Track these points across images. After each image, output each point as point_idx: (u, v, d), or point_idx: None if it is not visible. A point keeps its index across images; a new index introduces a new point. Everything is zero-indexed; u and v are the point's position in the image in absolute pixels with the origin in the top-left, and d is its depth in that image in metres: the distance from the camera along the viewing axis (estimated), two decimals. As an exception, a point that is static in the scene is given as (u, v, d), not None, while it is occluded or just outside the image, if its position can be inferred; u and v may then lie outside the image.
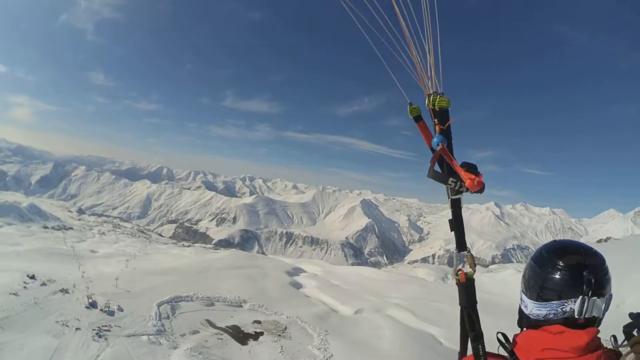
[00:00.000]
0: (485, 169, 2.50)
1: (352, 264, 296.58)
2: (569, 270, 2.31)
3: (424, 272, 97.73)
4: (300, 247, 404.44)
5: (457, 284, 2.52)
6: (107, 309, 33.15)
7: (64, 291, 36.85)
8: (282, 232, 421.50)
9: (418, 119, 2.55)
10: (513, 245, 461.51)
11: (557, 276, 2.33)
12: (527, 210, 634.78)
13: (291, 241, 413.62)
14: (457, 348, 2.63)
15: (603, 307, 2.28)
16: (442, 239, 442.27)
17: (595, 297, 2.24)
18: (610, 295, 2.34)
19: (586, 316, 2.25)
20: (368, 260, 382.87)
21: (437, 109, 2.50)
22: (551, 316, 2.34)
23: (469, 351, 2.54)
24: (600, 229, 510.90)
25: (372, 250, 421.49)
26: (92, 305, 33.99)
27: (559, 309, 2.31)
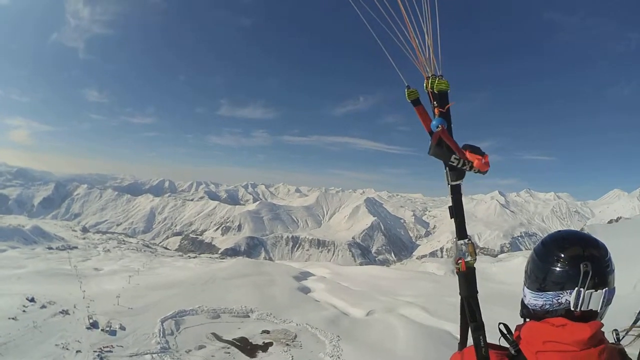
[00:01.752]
0: (490, 158, 2.38)
1: (361, 264, 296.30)
2: (567, 262, 2.26)
3: (434, 266, 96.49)
4: (307, 250, 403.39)
5: (457, 273, 2.47)
6: (108, 329, 31.92)
7: (64, 312, 35.68)
8: (287, 237, 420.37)
9: (416, 102, 2.46)
10: (521, 232, 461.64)
11: (556, 268, 2.28)
12: (531, 196, 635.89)
13: (297, 245, 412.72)
14: None
15: (601, 301, 2.20)
16: (449, 232, 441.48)
17: (592, 290, 2.18)
18: (613, 289, 2.27)
19: (582, 309, 2.20)
20: (376, 259, 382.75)
21: (436, 91, 2.42)
22: (547, 307, 2.31)
23: (469, 342, 2.47)
24: (606, 209, 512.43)
25: (380, 249, 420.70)
26: (93, 325, 32.77)
27: (554, 300, 2.27)
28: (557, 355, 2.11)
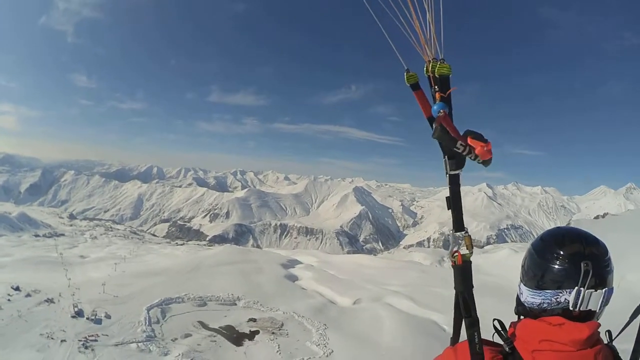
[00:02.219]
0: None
1: (348, 252, 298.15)
2: (567, 260, 2.19)
3: (420, 256, 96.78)
4: (295, 238, 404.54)
5: (452, 266, 2.36)
6: (93, 317, 31.49)
7: (49, 301, 35.21)
8: (276, 224, 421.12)
9: (415, 87, 2.38)
10: (507, 225, 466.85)
11: (556, 265, 2.22)
12: (519, 190, 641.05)
13: (286, 233, 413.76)
14: (464, 334, 2.38)
15: (600, 301, 2.16)
16: (436, 223, 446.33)
17: (592, 290, 2.13)
18: (611, 289, 2.20)
19: (581, 309, 2.16)
20: (363, 247, 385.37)
21: (437, 75, 2.29)
22: (545, 305, 2.25)
23: (462, 337, 2.42)
24: (592, 205, 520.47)
25: (367, 237, 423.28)
26: (78, 314, 32.34)
27: (553, 299, 2.22)
28: (553, 354, 2.07)
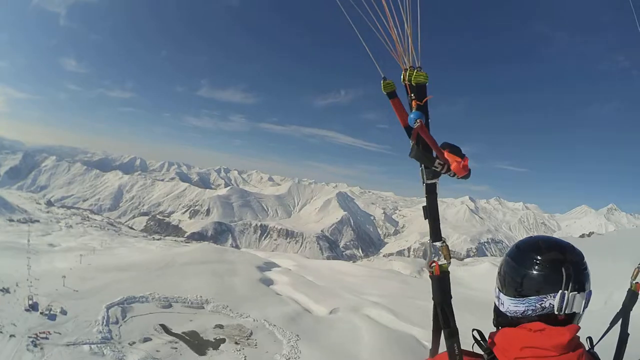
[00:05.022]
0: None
1: (328, 257, 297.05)
2: (548, 265, 2.23)
3: (400, 265, 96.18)
4: (275, 240, 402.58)
5: (430, 277, 2.29)
6: (48, 312, 29.24)
7: (5, 291, 32.87)
8: (256, 225, 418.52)
9: (392, 95, 2.28)
10: (487, 239, 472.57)
11: (536, 272, 2.24)
12: (500, 204, 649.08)
13: (266, 234, 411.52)
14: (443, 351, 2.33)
15: (583, 303, 2.22)
16: (417, 232, 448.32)
17: (575, 292, 2.17)
18: (590, 292, 2.29)
19: (566, 312, 2.18)
20: (343, 254, 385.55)
21: (413, 84, 2.22)
22: (529, 312, 2.25)
23: (442, 348, 2.38)
24: (573, 224, 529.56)
25: (348, 243, 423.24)
26: (33, 307, 30.06)
27: (537, 305, 2.22)
28: None
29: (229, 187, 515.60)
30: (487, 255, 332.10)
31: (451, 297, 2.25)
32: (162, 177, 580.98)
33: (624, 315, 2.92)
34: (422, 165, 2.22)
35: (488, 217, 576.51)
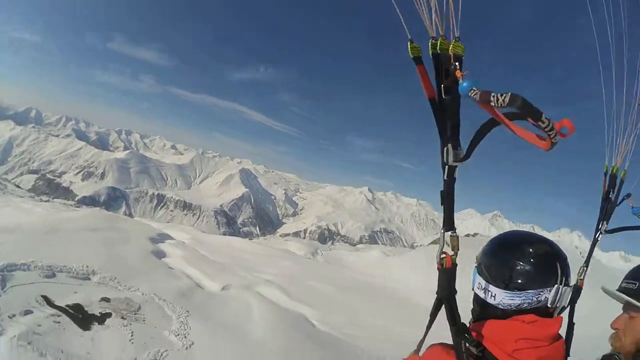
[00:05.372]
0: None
1: (224, 233, 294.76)
2: (543, 259, 2.29)
3: (295, 246, 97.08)
4: (172, 211, 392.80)
5: (438, 269, 2.15)
6: None
7: None
8: (153, 194, 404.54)
9: (419, 60, 2.03)
10: (380, 228, 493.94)
11: (530, 265, 2.27)
12: (396, 198, 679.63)
13: (162, 204, 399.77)
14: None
15: (569, 297, 2.35)
16: (315, 216, 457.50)
17: (566, 287, 2.28)
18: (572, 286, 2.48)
19: (557, 305, 2.29)
20: (240, 230, 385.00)
21: (450, 54, 1.92)
22: (525, 305, 2.27)
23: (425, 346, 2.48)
24: (460, 224, 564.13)
25: (246, 221, 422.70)
26: None
27: (534, 298, 2.26)
28: (533, 351, 2.11)
29: (128, 151, 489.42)
30: (378, 244, 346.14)
31: (456, 292, 2.14)
32: (58, 132, 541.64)
33: (570, 306, 3.36)
34: (449, 144, 1.98)
35: (383, 208, 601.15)
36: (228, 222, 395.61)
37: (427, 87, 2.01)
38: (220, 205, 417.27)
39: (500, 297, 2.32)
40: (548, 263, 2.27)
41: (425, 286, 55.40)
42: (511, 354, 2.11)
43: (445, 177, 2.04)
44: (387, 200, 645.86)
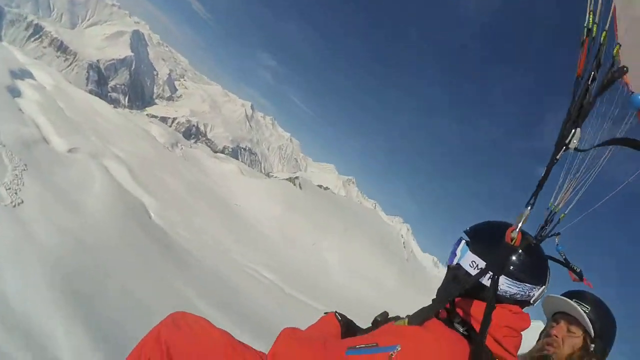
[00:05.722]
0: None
1: (90, 91, 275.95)
2: (546, 260, 2.38)
3: (158, 130, 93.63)
4: (45, 47, 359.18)
5: (504, 244, 2.12)
6: None
7: None
8: (31, 22, 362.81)
9: (590, 33, 2.08)
10: (246, 146, 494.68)
11: (537, 261, 2.31)
12: (273, 126, 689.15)
13: (37, 36, 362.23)
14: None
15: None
16: (189, 109, 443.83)
17: (545, 288, 2.32)
18: None
19: (532, 303, 2.33)
20: (108, 95, 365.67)
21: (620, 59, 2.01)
22: (518, 296, 2.26)
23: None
24: (316, 174, 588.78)
25: (118, 86, 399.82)
26: None
27: (528, 292, 2.26)
28: (511, 339, 2.17)
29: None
30: (238, 160, 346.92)
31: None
32: None
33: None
34: (576, 129, 2.04)
35: (257, 129, 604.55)
36: (99, 80, 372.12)
37: (581, 64, 2.10)
38: (98, 60, 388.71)
39: (501, 281, 2.27)
40: (546, 265, 2.33)
41: (276, 218, 57.57)
42: (502, 339, 2.15)
43: (556, 157, 2.14)
44: (263, 123, 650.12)
